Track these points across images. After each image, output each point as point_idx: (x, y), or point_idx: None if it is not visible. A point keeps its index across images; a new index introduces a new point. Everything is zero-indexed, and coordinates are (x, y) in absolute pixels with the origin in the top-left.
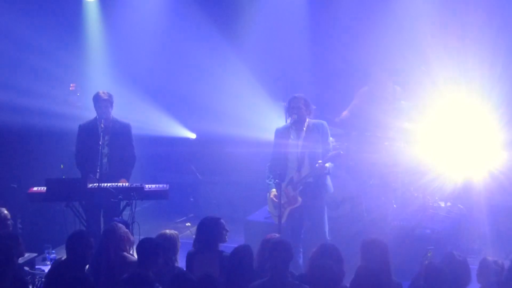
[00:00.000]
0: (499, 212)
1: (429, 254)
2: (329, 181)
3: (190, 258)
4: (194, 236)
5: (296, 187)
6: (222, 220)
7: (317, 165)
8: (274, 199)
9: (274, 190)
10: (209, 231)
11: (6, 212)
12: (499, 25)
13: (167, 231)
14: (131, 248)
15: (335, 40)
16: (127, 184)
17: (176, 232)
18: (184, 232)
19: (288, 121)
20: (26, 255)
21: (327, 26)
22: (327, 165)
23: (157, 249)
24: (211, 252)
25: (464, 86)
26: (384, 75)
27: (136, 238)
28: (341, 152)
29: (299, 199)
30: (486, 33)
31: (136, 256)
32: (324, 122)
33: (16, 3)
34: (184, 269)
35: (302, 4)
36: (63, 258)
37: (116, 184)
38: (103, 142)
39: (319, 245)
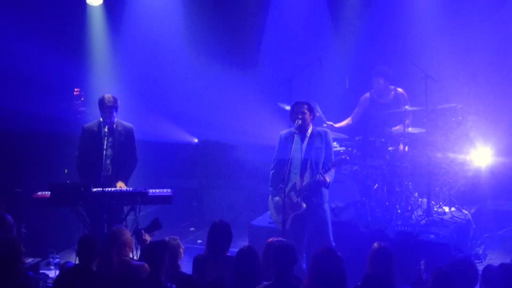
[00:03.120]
0: (504, 217)
1: (422, 267)
2: (325, 189)
3: (199, 263)
4: (199, 241)
5: (300, 193)
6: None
7: (318, 176)
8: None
9: (277, 198)
10: (220, 236)
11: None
12: (505, 28)
13: (166, 238)
14: (133, 252)
15: (339, 45)
16: (125, 188)
17: (177, 238)
18: (188, 237)
19: (293, 128)
20: (30, 259)
21: (331, 30)
22: (328, 179)
23: (163, 251)
24: (220, 258)
25: (469, 91)
26: (385, 80)
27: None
28: (347, 158)
29: (303, 205)
30: (492, 37)
31: (137, 260)
32: (328, 131)
33: (19, 10)
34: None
35: (305, 9)
36: (66, 262)
37: (120, 188)
38: (107, 144)
39: (318, 250)
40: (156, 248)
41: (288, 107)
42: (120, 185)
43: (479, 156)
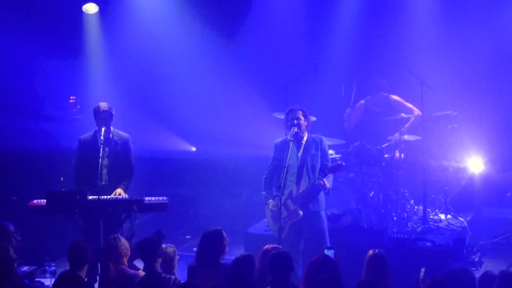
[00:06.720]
0: (500, 224)
1: (421, 274)
2: (322, 196)
3: (192, 272)
4: (195, 249)
5: (296, 201)
6: (223, 231)
7: (316, 181)
8: (274, 208)
9: (271, 201)
10: (213, 245)
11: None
12: (499, 37)
13: (163, 245)
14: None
15: (334, 52)
16: (125, 195)
17: (173, 246)
18: (184, 245)
19: (289, 136)
20: (26, 267)
21: (326, 37)
22: (327, 184)
23: (157, 246)
24: (215, 266)
25: (463, 98)
26: (381, 88)
27: None
28: (343, 164)
29: (300, 212)
30: (487, 46)
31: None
32: (323, 138)
33: (15, 18)
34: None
35: (300, 17)
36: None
37: (116, 196)
38: (103, 153)
39: (314, 257)
40: (150, 243)
41: (283, 116)
42: (120, 192)
43: (473, 164)
